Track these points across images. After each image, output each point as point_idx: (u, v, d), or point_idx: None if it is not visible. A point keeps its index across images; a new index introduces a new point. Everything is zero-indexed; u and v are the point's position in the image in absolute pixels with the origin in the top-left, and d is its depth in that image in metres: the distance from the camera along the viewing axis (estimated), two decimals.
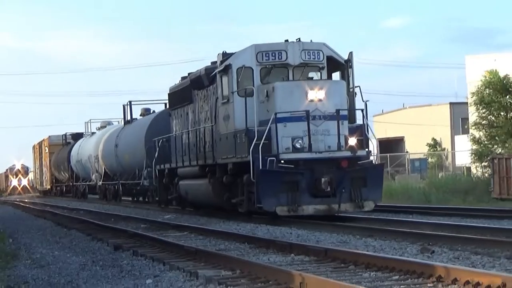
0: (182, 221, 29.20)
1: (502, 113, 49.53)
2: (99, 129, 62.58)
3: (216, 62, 29.04)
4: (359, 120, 27.40)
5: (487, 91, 49.71)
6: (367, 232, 21.09)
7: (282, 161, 24.43)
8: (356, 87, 26.58)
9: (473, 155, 51.95)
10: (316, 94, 24.60)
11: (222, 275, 13.91)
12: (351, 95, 26.29)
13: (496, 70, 50.82)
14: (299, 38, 26.94)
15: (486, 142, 50.23)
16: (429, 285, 12.11)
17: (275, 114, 24.48)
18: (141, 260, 17.42)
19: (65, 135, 73.36)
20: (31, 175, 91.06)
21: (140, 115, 51.23)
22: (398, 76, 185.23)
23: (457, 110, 79.14)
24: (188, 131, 33.01)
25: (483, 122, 50.24)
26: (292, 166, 24.55)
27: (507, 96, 49.37)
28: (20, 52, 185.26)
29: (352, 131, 25.48)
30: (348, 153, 25.15)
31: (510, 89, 49.39)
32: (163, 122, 40.06)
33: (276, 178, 24.37)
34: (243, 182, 26.17)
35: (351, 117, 26.40)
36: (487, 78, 50.10)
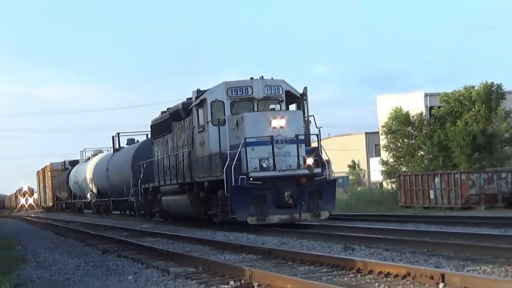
0: (156, 229, 28.88)
1: (405, 140, 50.59)
2: (92, 156, 61.60)
3: (191, 98, 27.98)
4: (313, 143, 27.06)
5: (393, 123, 50.78)
6: (302, 235, 21.04)
7: (251, 179, 23.40)
8: (310, 116, 26.19)
9: (384, 173, 52.96)
10: (278, 122, 23.71)
11: (188, 271, 13.93)
12: (306, 123, 25.71)
13: (400, 107, 51.85)
14: (262, 76, 26.08)
15: (392, 162, 51.38)
16: (350, 275, 12.21)
17: (245, 139, 23.57)
18: (124, 260, 17.27)
19: (64, 162, 72.63)
20: (35, 195, 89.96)
21: (127, 144, 50.27)
22: (325, 112, 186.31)
23: (371, 138, 79.69)
24: (169, 155, 31.77)
25: (391, 145, 51.36)
26: (260, 182, 23.50)
27: (409, 127, 50.38)
28: (25, 97, 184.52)
29: (308, 153, 24.84)
30: (306, 171, 24.19)
31: (410, 121, 50.37)
32: (146, 149, 38.93)
33: (247, 193, 23.30)
34: (218, 197, 24.94)
35: (307, 141, 25.83)
36: (393, 113, 51.19)
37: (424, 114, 52.95)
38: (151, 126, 36.25)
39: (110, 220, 41.92)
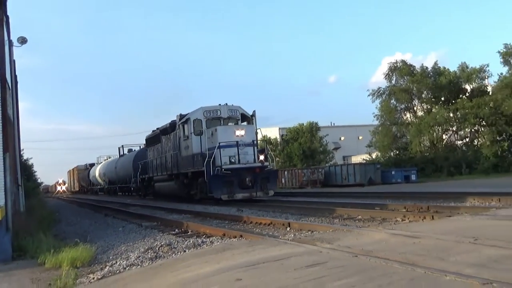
0: (136, 203, 27.91)
1: (269, 152, 51.77)
2: (104, 160, 57.25)
3: (175, 120, 24.36)
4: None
5: (263, 144, 51.90)
6: (215, 204, 20.49)
7: (223, 169, 20.05)
8: (257, 129, 23.02)
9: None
10: (240, 132, 20.65)
11: (153, 225, 13.56)
12: (256, 134, 22.54)
13: (266, 134, 52.89)
14: (226, 103, 22.71)
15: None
16: (240, 224, 12.18)
17: (219, 143, 20.24)
18: (116, 220, 16.70)
19: (86, 164, 68.28)
20: (67, 185, 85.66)
21: (128, 152, 46.18)
22: None
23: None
24: (160, 157, 27.37)
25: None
26: (229, 172, 20.03)
27: (271, 145, 51.52)
28: (62, 130, 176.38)
29: (259, 152, 21.95)
30: (259, 164, 20.97)
31: (272, 142, 51.45)
32: (142, 154, 34.92)
33: (220, 179, 19.93)
34: (198, 182, 21.76)
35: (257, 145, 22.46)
36: (263, 138, 52.20)
37: (278, 139, 54.28)
38: (146, 139, 31.65)
39: (113, 198, 39.71)
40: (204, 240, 9.22)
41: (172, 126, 24.93)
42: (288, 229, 10.38)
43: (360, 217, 11.92)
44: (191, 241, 9.07)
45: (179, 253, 8.19)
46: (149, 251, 8.65)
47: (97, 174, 54.73)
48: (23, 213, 14.92)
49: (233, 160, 20.57)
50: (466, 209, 11.40)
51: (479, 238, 6.57)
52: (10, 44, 14.68)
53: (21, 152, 25.96)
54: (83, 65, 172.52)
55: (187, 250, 8.29)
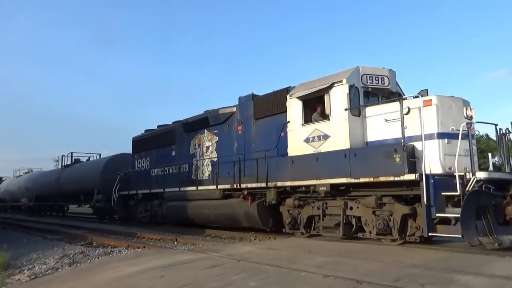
0: (31, 219, 21.86)
1: None
2: (24, 174, 35.01)
3: (213, 110, 12.15)
4: None
5: None
6: (111, 223, 18.09)
7: (483, 182, 6.13)
8: None
9: None
10: (470, 113, 7.21)
11: (57, 237, 12.22)
12: None
13: None
14: (391, 69, 8.73)
15: None
16: (135, 239, 11.51)
17: (468, 124, 6.83)
18: (17, 233, 14.45)
19: None
20: None
21: (72, 163, 25.58)
22: None
23: None
24: (180, 165, 13.23)
25: None
26: (493, 187, 6.04)
27: None
28: None
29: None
30: None
31: None
32: (115, 163, 19.31)
33: (475, 201, 5.84)
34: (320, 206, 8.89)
35: None
36: None
37: None
38: (133, 142, 16.52)
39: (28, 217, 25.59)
40: (112, 249, 8.77)
41: (214, 117, 12.03)
42: (175, 243, 10.17)
43: (224, 236, 11.86)
44: (101, 250, 8.61)
45: (94, 259, 7.68)
46: (65, 257, 8.03)
47: (13, 189, 33.98)
48: None
49: (498, 163, 7.33)
50: (299, 234, 12.23)
51: (311, 251, 7.42)
52: None
53: None
54: None
55: (100, 257, 7.81)
